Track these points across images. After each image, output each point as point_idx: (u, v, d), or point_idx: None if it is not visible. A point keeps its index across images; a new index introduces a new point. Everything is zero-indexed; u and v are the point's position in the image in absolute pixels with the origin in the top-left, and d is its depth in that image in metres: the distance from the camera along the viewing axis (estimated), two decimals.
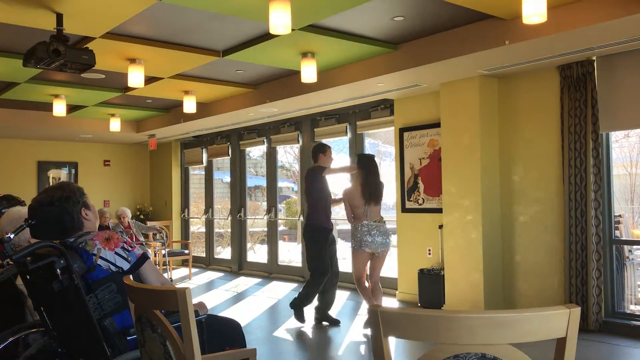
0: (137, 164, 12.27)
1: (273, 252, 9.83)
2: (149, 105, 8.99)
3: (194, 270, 10.44)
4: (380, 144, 10.01)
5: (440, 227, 6.79)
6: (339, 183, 8.04)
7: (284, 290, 8.32)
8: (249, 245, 10.66)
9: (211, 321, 2.84)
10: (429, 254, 7.12)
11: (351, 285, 8.28)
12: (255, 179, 11.06)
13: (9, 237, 2.66)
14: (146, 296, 2.05)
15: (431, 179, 7.11)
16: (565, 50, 5.22)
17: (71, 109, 8.76)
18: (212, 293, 8.37)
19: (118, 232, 2.78)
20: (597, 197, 5.56)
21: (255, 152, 11.00)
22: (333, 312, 6.23)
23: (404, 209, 7.44)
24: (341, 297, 7.65)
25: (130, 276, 2.40)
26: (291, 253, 10.19)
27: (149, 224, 10.29)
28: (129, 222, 9.26)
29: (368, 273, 5.78)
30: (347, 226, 8.65)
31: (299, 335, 5.74)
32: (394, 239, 6.77)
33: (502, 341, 1.35)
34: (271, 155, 9.96)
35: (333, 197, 6.29)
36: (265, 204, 10.26)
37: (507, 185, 6.38)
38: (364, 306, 6.88)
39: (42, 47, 4.48)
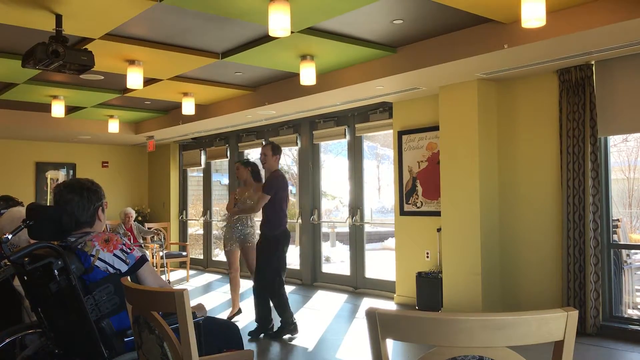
0: (135, 165, 12.26)
1: None
2: (147, 107, 8.99)
3: (191, 272, 10.42)
4: (379, 146, 10.02)
5: (439, 230, 6.79)
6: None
7: None
8: None
9: (209, 323, 2.85)
10: (427, 257, 7.12)
11: (348, 288, 8.28)
12: None
13: (7, 237, 2.66)
14: (144, 297, 2.05)
15: (429, 182, 7.11)
16: (564, 55, 5.23)
17: (70, 110, 8.75)
18: (209, 295, 8.35)
19: (117, 234, 2.77)
20: (595, 202, 5.56)
21: (254, 154, 10.99)
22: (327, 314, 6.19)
23: (402, 212, 7.44)
24: (338, 300, 7.64)
25: (128, 278, 2.40)
26: (289, 255, 10.14)
27: (147, 225, 10.28)
28: (131, 225, 9.24)
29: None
30: (345, 229, 8.66)
31: (296, 337, 5.73)
32: (390, 241, 6.76)
33: (500, 344, 1.35)
34: None
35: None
36: None
37: (506, 188, 6.39)
38: (362, 309, 6.87)
39: (41, 48, 4.47)
